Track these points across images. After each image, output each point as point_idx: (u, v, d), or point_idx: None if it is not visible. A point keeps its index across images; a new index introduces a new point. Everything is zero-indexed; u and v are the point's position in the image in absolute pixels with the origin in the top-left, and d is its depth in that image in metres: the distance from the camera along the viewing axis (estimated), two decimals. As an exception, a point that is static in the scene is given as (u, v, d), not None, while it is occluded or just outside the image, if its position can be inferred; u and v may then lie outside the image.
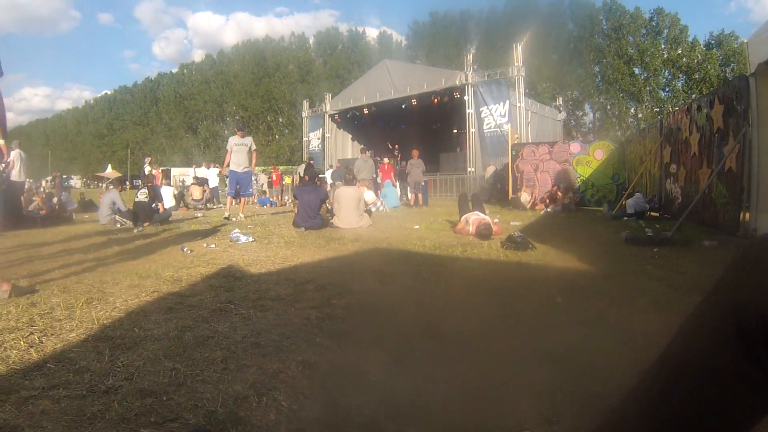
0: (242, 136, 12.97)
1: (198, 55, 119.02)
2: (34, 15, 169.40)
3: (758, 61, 7.28)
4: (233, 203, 13.46)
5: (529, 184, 17.94)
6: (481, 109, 23.70)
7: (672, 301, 3.98)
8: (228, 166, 13.12)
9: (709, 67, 53.03)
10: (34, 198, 16.49)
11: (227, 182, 13.74)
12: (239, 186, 13.16)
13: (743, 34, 56.88)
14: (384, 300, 4.25)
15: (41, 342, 3.03)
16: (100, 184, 70.12)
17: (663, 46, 57.94)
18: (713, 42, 55.77)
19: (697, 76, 53.82)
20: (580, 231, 9.92)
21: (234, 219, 12.60)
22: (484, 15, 72.04)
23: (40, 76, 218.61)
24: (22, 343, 2.99)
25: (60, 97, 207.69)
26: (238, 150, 12.89)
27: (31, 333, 3.19)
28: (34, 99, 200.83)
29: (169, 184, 20.79)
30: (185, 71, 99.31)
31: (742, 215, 8.08)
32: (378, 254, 6.92)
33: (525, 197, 17.04)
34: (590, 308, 3.84)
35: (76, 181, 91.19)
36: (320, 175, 19.70)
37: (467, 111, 24.08)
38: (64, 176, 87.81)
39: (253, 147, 13.14)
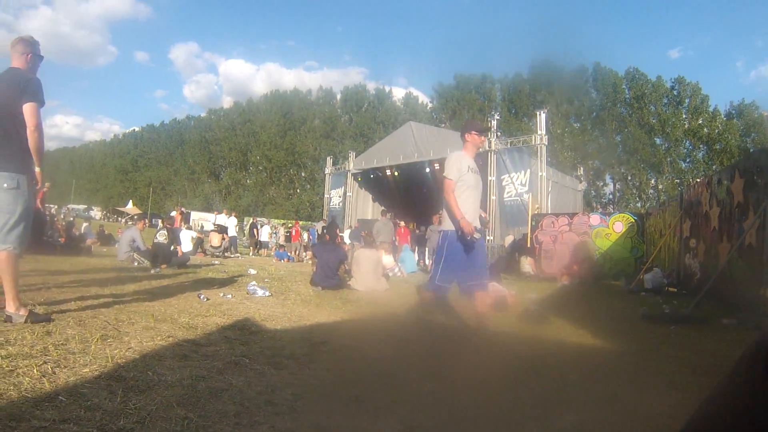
0: (474, 153, 6.16)
1: (227, 102, 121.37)
2: (74, 46, 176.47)
3: (777, 135, 7.30)
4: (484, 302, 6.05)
5: (546, 255, 17.89)
6: (502, 177, 23.62)
7: (688, 382, 3.92)
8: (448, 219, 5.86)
9: (729, 137, 53.31)
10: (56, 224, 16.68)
11: (445, 252, 5.80)
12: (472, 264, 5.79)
13: (764, 103, 57.50)
14: (398, 367, 4.20)
15: (54, 373, 3.04)
16: (120, 219, 71.05)
17: (684, 116, 58.38)
18: (734, 112, 56.46)
19: (717, 147, 53.98)
20: (596, 306, 9.82)
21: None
22: (509, 80, 72.87)
23: (73, 105, 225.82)
24: (35, 371, 3.00)
25: (90, 128, 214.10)
26: (476, 183, 5.95)
27: (45, 362, 3.20)
28: (65, 127, 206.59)
29: (190, 228, 20.91)
30: (213, 117, 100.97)
31: (762, 291, 7.98)
32: (394, 320, 6.86)
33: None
34: (604, 387, 3.79)
35: (96, 213, 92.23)
36: (340, 234, 19.69)
37: (489, 178, 23.91)
38: (84, 206, 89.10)
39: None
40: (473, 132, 6.00)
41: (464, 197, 5.76)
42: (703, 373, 4.24)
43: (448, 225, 5.79)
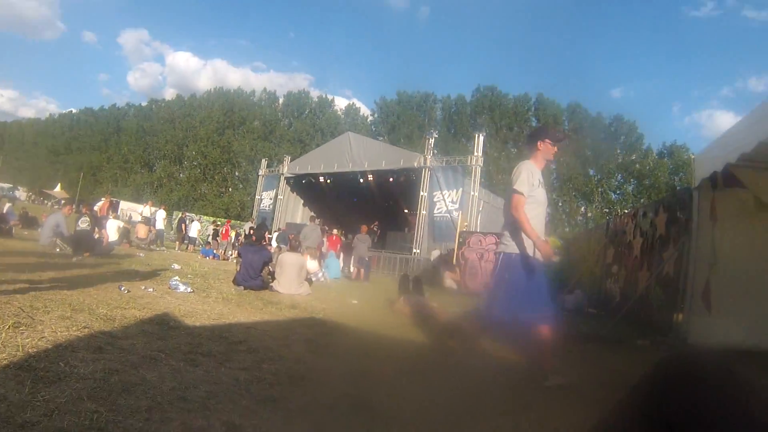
0: (544, 165, 5.24)
1: (169, 94, 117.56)
2: (21, 16, 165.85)
3: (702, 177, 7.74)
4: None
5: (471, 271, 18.14)
6: (434, 193, 23.91)
7: (598, 398, 4.04)
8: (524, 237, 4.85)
9: (659, 174, 55.87)
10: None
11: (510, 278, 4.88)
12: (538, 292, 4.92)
13: (693, 146, 60.55)
14: (314, 370, 4.23)
15: (-42, 359, 2.91)
16: (46, 202, 68.55)
17: (619, 151, 61.06)
18: (665, 151, 59.60)
19: (647, 182, 56.56)
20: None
21: None
22: (451, 101, 73.79)
23: (10, 78, 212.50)
24: (-63, 355, 2.87)
25: (25, 105, 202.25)
26: (544, 199, 5.30)
27: (-52, 347, 3.06)
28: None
29: (117, 217, 20.39)
30: (153, 107, 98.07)
31: (675, 317, 8.51)
32: (314, 324, 6.84)
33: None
34: (517, 399, 3.91)
35: (21, 193, 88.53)
36: (268, 236, 19.53)
37: (421, 193, 24.28)
38: (10, 185, 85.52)
39: None
40: (547, 140, 5.04)
41: (534, 215, 4.89)
42: (613, 390, 4.38)
43: (512, 247, 4.82)
